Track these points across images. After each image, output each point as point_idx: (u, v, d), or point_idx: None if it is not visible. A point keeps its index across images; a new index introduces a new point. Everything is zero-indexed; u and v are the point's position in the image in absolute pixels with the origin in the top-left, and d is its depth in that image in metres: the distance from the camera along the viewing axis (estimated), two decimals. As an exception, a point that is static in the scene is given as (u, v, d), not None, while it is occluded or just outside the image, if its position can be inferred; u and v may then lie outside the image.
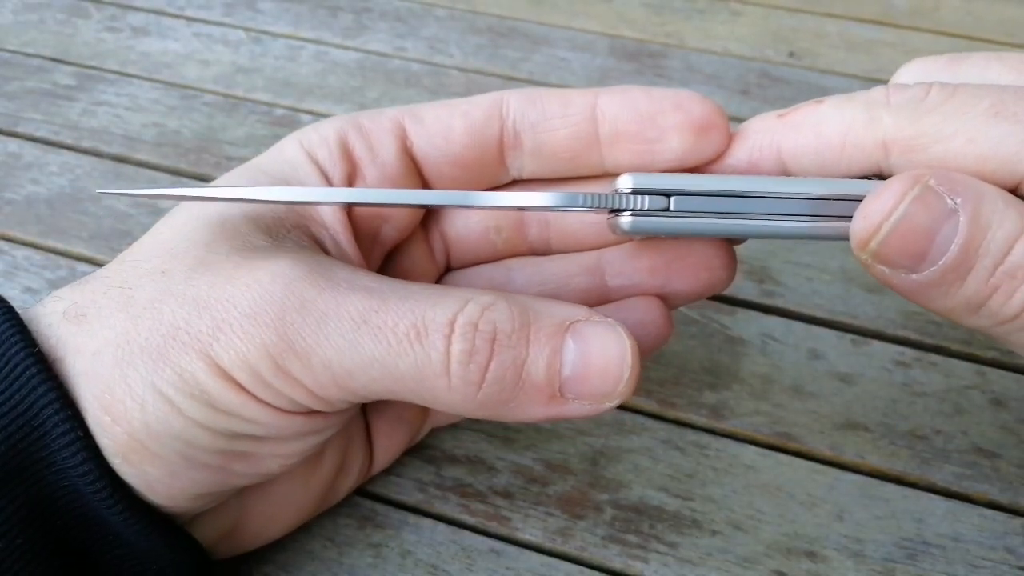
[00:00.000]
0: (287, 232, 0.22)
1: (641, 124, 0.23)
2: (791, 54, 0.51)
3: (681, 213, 0.21)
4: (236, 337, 0.19)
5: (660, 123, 0.22)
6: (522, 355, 0.19)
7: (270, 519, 0.25)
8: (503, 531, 0.27)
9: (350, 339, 0.19)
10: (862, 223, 0.19)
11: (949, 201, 0.18)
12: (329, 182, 0.23)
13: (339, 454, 0.25)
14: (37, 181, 0.40)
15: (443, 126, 0.24)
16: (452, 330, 0.19)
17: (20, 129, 0.43)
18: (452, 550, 0.26)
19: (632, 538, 0.27)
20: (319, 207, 0.23)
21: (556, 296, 0.25)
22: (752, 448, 0.29)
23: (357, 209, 0.24)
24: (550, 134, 0.23)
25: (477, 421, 0.30)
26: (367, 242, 0.24)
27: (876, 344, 0.33)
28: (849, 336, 0.33)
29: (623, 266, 0.25)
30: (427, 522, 0.27)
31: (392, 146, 0.24)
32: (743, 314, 0.34)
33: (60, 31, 0.50)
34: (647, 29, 0.53)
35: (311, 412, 0.20)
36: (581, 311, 0.20)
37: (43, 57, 0.48)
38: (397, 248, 0.25)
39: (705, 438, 0.30)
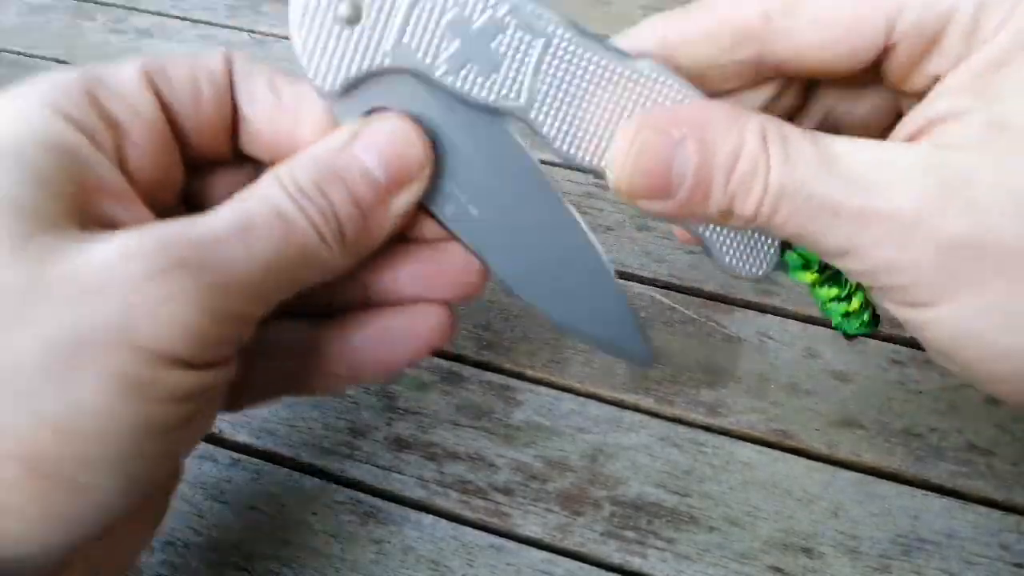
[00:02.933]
0: (85, 210, 0.20)
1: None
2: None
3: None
4: (156, 307, 0.17)
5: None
6: (346, 190, 0.21)
7: (117, 565, 0.23)
8: (503, 527, 0.27)
9: (244, 250, 0.19)
10: (610, 174, 0.21)
11: (675, 132, 0.20)
12: (100, 146, 0.21)
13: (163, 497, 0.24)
14: (43, 182, 0.40)
15: (192, 86, 0.22)
16: (297, 202, 0.20)
17: (26, 130, 0.43)
18: (453, 546, 0.27)
19: (630, 534, 0.27)
20: (101, 172, 0.20)
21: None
22: (749, 445, 0.30)
23: (131, 172, 0.21)
24: (257, 113, 0.23)
25: (478, 419, 0.30)
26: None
27: (872, 342, 0.33)
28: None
29: (382, 275, 0.25)
30: (428, 518, 0.27)
31: (151, 102, 0.22)
32: (740, 313, 0.34)
33: (65, 33, 0.51)
34: (647, 30, 0.53)
35: (229, 358, 0.20)
36: (346, 131, 0.21)
37: (48, 59, 0.48)
38: (169, 213, 0.23)
39: (702, 435, 0.30)
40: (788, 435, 0.30)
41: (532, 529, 0.27)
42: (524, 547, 0.27)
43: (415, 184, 0.22)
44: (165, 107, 0.22)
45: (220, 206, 0.20)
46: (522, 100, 0.22)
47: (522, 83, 0.22)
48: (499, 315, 0.34)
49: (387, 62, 0.21)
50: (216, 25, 0.52)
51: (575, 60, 0.22)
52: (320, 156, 0.21)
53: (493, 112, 0.22)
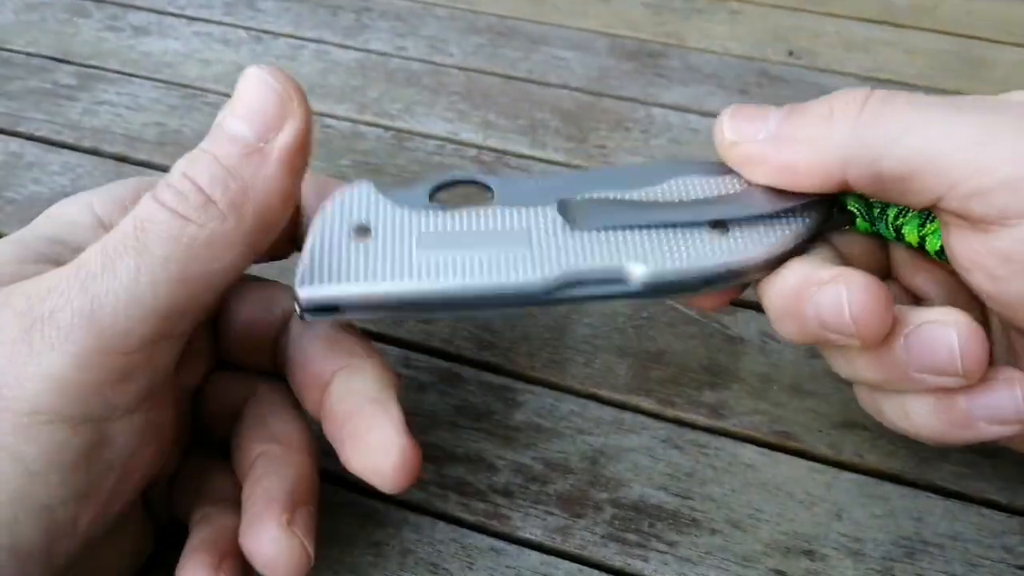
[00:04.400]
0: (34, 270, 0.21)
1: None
2: (790, 53, 0.51)
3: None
4: (19, 365, 0.18)
5: None
6: (208, 156, 0.21)
7: None
8: (503, 529, 0.27)
9: (109, 277, 0.19)
10: (717, 127, 0.25)
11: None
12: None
13: (136, 528, 0.24)
14: (39, 181, 0.40)
15: None
16: (155, 195, 0.20)
17: (21, 128, 0.43)
18: (452, 548, 0.26)
19: (632, 537, 0.27)
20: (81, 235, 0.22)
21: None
22: (751, 447, 0.29)
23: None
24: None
25: (477, 420, 0.30)
26: None
27: (875, 343, 0.33)
28: (848, 335, 0.33)
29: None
30: (427, 520, 0.27)
31: None
32: (742, 314, 0.34)
33: (61, 30, 0.50)
34: (646, 29, 0.53)
35: (142, 399, 0.20)
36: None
37: (44, 56, 0.48)
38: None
39: (704, 437, 0.30)
40: (791, 437, 0.30)
41: (532, 531, 0.27)
42: (524, 549, 0.26)
43: (289, 124, 0.21)
44: None
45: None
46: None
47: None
48: (499, 316, 0.34)
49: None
50: (213, 22, 0.52)
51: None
52: (189, 154, 0.21)
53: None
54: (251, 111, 0.21)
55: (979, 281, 0.22)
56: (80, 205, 0.23)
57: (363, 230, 0.23)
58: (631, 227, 0.23)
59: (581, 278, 0.23)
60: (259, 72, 0.21)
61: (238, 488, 0.24)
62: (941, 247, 0.23)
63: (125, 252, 0.19)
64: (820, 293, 0.21)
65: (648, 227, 0.23)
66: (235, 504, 0.24)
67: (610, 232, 0.23)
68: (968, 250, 0.22)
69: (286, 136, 0.21)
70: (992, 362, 0.21)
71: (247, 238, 0.21)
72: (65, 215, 0.23)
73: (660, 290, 0.23)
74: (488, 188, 0.24)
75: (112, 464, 0.20)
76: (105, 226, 0.22)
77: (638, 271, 0.23)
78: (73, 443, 0.19)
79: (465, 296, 0.22)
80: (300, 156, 0.21)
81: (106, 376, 0.19)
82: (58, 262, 0.21)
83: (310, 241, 0.23)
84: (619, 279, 0.23)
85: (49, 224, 0.23)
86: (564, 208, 0.23)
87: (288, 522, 0.22)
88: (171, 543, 0.26)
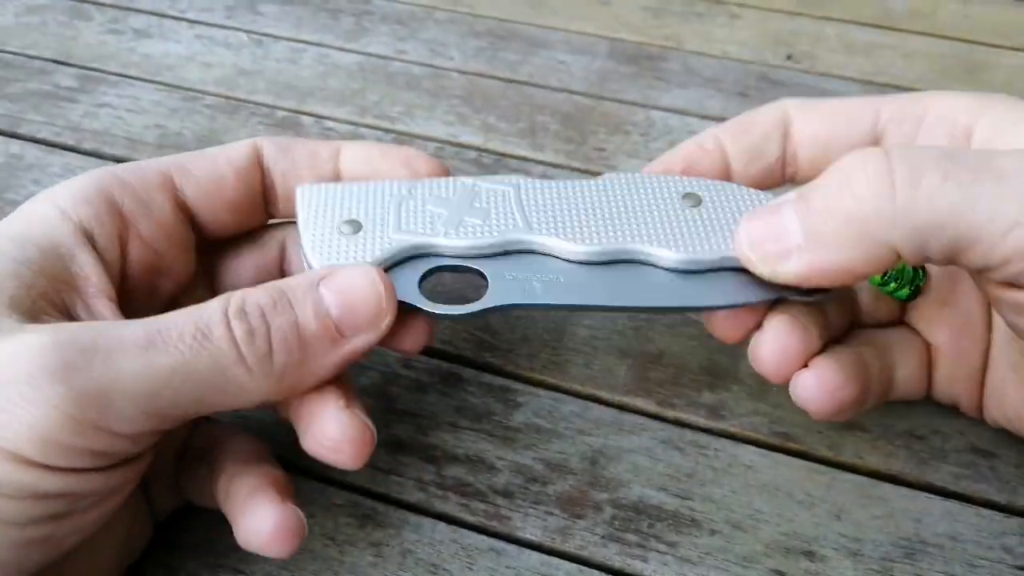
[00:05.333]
0: (41, 304, 0.21)
1: (371, 176, 0.26)
2: (789, 57, 0.51)
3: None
4: (17, 408, 0.18)
5: (387, 176, 0.26)
6: (291, 316, 0.21)
7: None
8: (503, 530, 0.27)
9: (143, 362, 0.19)
10: (737, 252, 0.24)
11: (773, 202, 0.23)
12: (93, 241, 0.23)
13: (128, 519, 0.24)
14: (39, 182, 0.40)
15: (215, 176, 0.25)
16: (227, 319, 0.20)
17: (22, 131, 0.43)
18: (452, 549, 0.26)
19: (631, 537, 0.27)
20: (75, 269, 0.22)
21: None
22: (751, 448, 0.29)
23: (135, 263, 0.24)
24: (300, 182, 0.26)
25: (477, 421, 0.30)
26: (143, 297, 0.24)
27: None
28: (847, 337, 0.33)
29: None
30: (427, 521, 0.27)
31: (164, 200, 0.24)
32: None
33: (62, 33, 0.50)
34: (646, 32, 0.53)
35: (115, 464, 0.20)
36: (319, 272, 0.22)
37: (45, 59, 0.48)
38: (175, 300, 0.26)
39: (704, 438, 0.30)
40: (790, 437, 0.30)
41: (532, 532, 0.27)
42: (524, 550, 0.26)
43: (371, 333, 0.22)
44: (182, 204, 0.25)
45: (151, 317, 0.20)
46: (521, 224, 0.25)
47: (513, 215, 0.25)
48: (499, 317, 0.34)
49: (392, 247, 0.24)
50: (214, 26, 0.52)
51: (545, 191, 0.26)
52: (281, 284, 0.22)
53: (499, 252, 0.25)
54: (351, 302, 0.22)
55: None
56: (47, 203, 0.23)
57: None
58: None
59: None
60: (375, 276, 0.22)
61: (257, 450, 0.25)
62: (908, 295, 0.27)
63: (172, 351, 0.19)
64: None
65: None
66: (258, 459, 0.24)
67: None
68: (1015, 304, 0.22)
69: (361, 342, 0.22)
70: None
71: (271, 395, 0.21)
72: (35, 212, 0.23)
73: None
74: (482, 275, 0.24)
75: (81, 511, 0.20)
76: (71, 219, 0.23)
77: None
78: (41, 487, 0.19)
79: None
80: (359, 359, 0.22)
81: (90, 444, 0.19)
82: (28, 261, 0.21)
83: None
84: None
85: (18, 223, 0.23)
86: None
87: (346, 405, 0.23)
88: (170, 543, 0.26)
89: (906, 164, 0.20)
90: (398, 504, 0.28)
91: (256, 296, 0.21)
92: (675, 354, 0.33)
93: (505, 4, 0.55)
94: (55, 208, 0.23)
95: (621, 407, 0.31)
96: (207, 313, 0.20)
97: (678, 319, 0.34)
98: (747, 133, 0.26)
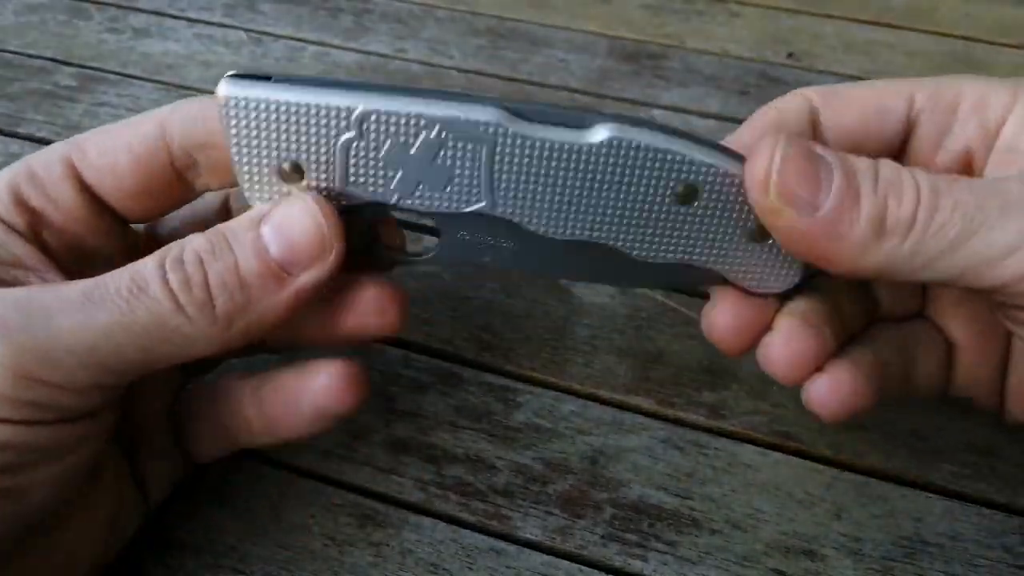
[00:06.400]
0: None
1: None
2: (790, 55, 0.51)
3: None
4: None
5: None
6: (231, 259, 0.21)
7: None
8: (503, 530, 0.27)
9: (82, 317, 0.19)
10: (756, 164, 0.21)
11: (812, 146, 0.21)
12: (17, 231, 0.23)
13: (111, 499, 0.24)
14: (39, 182, 0.40)
15: (109, 162, 0.24)
16: (164, 270, 0.20)
17: (21, 130, 0.43)
18: (452, 549, 0.26)
19: (631, 537, 0.27)
20: (13, 249, 0.22)
21: None
22: (751, 447, 0.29)
23: (53, 253, 0.23)
24: (221, 151, 0.23)
25: (477, 420, 0.30)
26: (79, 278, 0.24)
27: (874, 344, 0.33)
28: (847, 336, 0.33)
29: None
30: (427, 521, 0.27)
31: (69, 189, 0.23)
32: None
33: (61, 32, 0.50)
34: (646, 30, 0.53)
35: (70, 418, 0.20)
36: (261, 209, 0.22)
37: (44, 58, 0.48)
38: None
39: (704, 437, 0.30)
40: (790, 437, 0.30)
41: (532, 532, 0.27)
42: (524, 550, 0.26)
43: (316, 268, 0.21)
44: (89, 191, 0.24)
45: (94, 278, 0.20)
46: (485, 202, 0.22)
47: (479, 186, 0.22)
48: (499, 316, 0.34)
49: (342, 203, 0.22)
50: (213, 24, 0.52)
51: (525, 151, 0.21)
52: (222, 226, 0.21)
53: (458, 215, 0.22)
54: (290, 237, 0.21)
55: None
56: None
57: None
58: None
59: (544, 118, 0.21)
60: (313, 206, 0.21)
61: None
62: None
63: (111, 307, 0.20)
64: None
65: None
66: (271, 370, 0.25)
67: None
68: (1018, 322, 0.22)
69: (309, 277, 0.21)
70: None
71: (223, 342, 0.21)
72: None
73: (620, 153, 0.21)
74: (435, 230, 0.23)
75: (42, 464, 0.20)
76: None
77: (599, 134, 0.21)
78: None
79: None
80: (311, 297, 0.22)
81: (34, 397, 0.19)
82: None
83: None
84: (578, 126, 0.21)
85: None
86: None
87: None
88: (170, 543, 0.26)
89: (928, 184, 0.20)
90: (398, 504, 0.28)
91: (194, 242, 0.21)
92: (675, 353, 0.32)
93: (505, 2, 0.55)
94: None
95: (621, 406, 0.31)
96: (143, 266, 0.20)
97: (678, 319, 0.34)
98: (779, 130, 0.24)
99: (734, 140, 0.24)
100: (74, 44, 0.49)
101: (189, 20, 0.52)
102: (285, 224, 0.21)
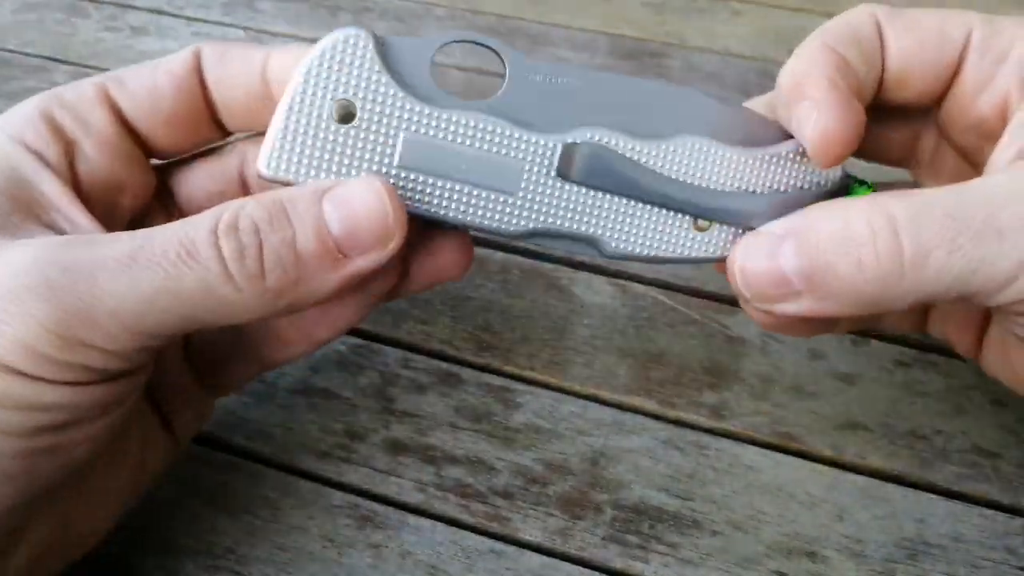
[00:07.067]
0: (15, 220, 0.21)
1: None
2: (792, 53, 0.51)
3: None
4: (3, 324, 0.18)
5: None
6: (288, 233, 0.20)
7: (90, 524, 0.23)
8: (503, 531, 0.27)
9: (127, 280, 0.19)
10: (733, 281, 0.23)
11: (774, 233, 0.22)
12: (46, 163, 0.22)
13: (140, 444, 0.24)
14: (36, 181, 0.39)
15: (148, 86, 0.24)
16: (217, 236, 0.19)
17: (19, 129, 0.42)
18: (452, 550, 0.26)
19: (632, 538, 0.27)
20: (43, 187, 0.22)
21: None
22: (752, 448, 0.29)
23: (88, 182, 0.23)
24: (231, 91, 0.24)
25: (477, 421, 0.30)
26: (104, 217, 0.23)
27: (876, 344, 0.33)
28: (849, 336, 0.33)
29: None
30: (427, 522, 0.27)
31: (103, 115, 0.23)
32: (743, 314, 0.34)
33: (59, 31, 0.50)
34: (647, 28, 0.53)
35: (111, 377, 0.20)
36: (327, 182, 0.21)
37: (42, 56, 0.48)
38: (135, 220, 0.25)
39: (705, 438, 0.30)
40: (792, 438, 0.30)
41: (532, 533, 0.27)
42: (524, 552, 0.26)
43: (376, 253, 0.21)
44: (122, 118, 0.24)
45: (137, 231, 0.20)
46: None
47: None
48: (499, 316, 0.33)
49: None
50: (211, 23, 0.51)
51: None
52: (281, 195, 0.20)
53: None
54: (353, 218, 0.20)
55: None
56: None
57: (346, 110, 0.21)
58: (620, 195, 0.23)
59: (554, 233, 0.23)
60: (381, 189, 0.20)
61: None
62: None
63: (157, 270, 0.19)
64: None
65: (636, 199, 0.23)
66: None
67: (599, 194, 0.23)
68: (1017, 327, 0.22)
69: (366, 262, 0.21)
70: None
71: (265, 314, 0.20)
72: None
73: (625, 259, 0.24)
74: (501, 61, 0.22)
75: (84, 422, 0.20)
76: (21, 144, 0.22)
77: (609, 246, 0.23)
78: (38, 399, 0.19)
79: (434, 220, 0.22)
80: (364, 281, 0.21)
81: (79, 359, 0.19)
82: None
83: (284, 108, 0.21)
84: (589, 244, 0.23)
85: None
86: (566, 157, 0.23)
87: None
88: (169, 545, 0.26)
89: (915, 241, 0.20)
90: (397, 505, 0.27)
91: (251, 209, 0.20)
92: (676, 353, 0.32)
93: (506, 0, 0.55)
94: (4, 135, 0.22)
95: (622, 407, 0.30)
96: (195, 228, 0.20)
97: (679, 319, 0.34)
98: (858, 45, 0.24)
99: (807, 46, 0.24)
100: (72, 42, 0.49)
101: (187, 19, 0.52)
102: (350, 203, 0.20)
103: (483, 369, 0.32)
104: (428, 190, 0.22)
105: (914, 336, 0.33)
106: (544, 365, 0.32)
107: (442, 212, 0.22)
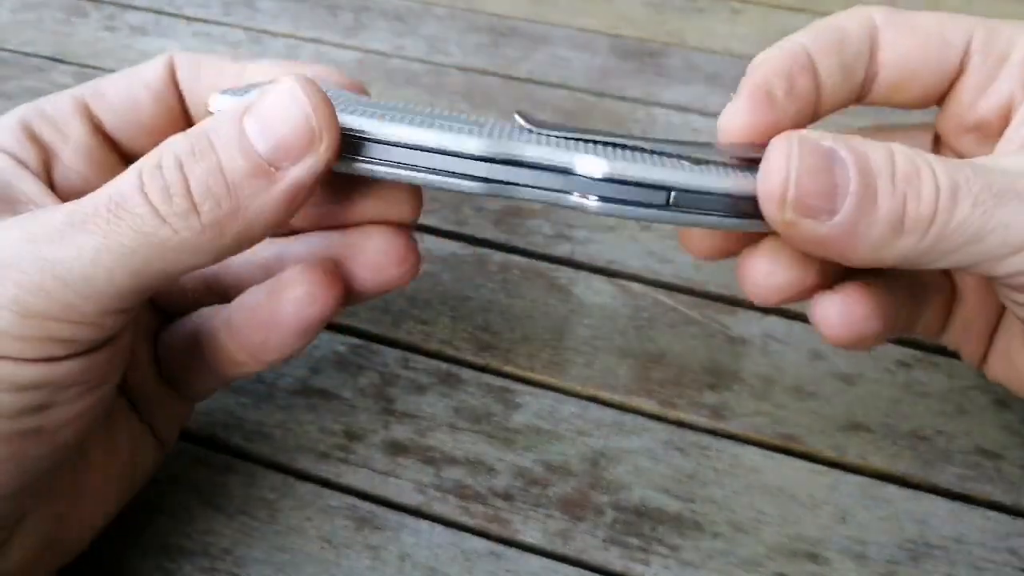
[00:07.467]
0: None
1: None
2: (792, 53, 0.51)
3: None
4: None
5: None
6: (213, 160, 0.19)
7: (83, 523, 0.23)
8: (503, 533, 0.27)
9: (67, 247, 0.18)
10: (772, 178, 0.20)
11: (825, 144, 0.20)
12: (25, 166, 0.22)
13: (128, 443, 0.24)
14: (34, 181, 0.39)
15: (126, 97, 0.24)
16: (141, 181, 0.19)
17: (18, 128, 0.42)
18: (451, 552, 0.26)
19: (633, 540, 0.27)
20: (22, 186, 0.22)
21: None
22: (754, 449, 0.29)
23: (66, 187, 0.23)
24: (205, 105, 0.24)
25: (477, 422, 0.29)
26: None
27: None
28: (851, 336, 0.33)
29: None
30: (426, 524, 0.27)
31: (80, 126, 0.24)
32: (744, 314, 0.34)
33: (58, 30, 0.50)
34: (648, 28, 0.53)
35: (87, 349, 0.20)
36: (243, 102, 0.20)
37: (41, 56, 0.48)
38: None
39: (706, 439, 0.29)
40: (794, 439, 0.29)
41: (532, 535, 0.27)
42: (524, 554, 0.26)
43: (309, 158, 0.19)
44: (100, 128, 0.24)
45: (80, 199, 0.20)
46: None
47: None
48: (498, 316, 0.33)
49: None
50: (211, 22, 0.51)
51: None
52: (200, 127, 0.20)
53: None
54: (275, 127, 0.19)
55: None
56: None
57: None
58: (596, 141, 0.21)
59: (526, 162, 0.20)
60: (296, 87, 0.19)
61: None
62: None
63: (93, 229, 0.19)
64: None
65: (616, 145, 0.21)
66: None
67: (571, 138, 0.21)
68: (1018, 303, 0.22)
69: (300, 170, 0.19)
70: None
71: (218, 252, 0.20)
72: None
73: (621, 196, 0.20)
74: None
75: (65, 400, 0.20)
76: (2, 150, 0.22)
77: (593, 167, 0.20)
78: (18, 378, 0.19)
79: (397, 142, 0.20)
80: (306, 194, 0.20)
81: (48, 333, 0.19)
82: None
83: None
84: (568, 171, 0.20)
85: None
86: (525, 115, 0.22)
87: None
88: (168, 547, 0.26)
89: (951, 181, 0.20)
90: (396, 507, 0.27)
91: (173, 146, 0.19)
92: (677, 354, 0.32)
93: (505, 0, 0.54)
94: None
95: (622, 408, 0.30)
96: (122, 178, 0.19)
97: (679, 319, 0.33)
98: (840, 51, 0.24)
99: (786, 42, 0.25)
100: (71, 42, 0.49)
101: (187, 18, 0.52)
102: (270, 112, 0.19)
103: (483, 369, 0.31)
104: (389, 112, 0.21)
105: (916, 337, 0.33)
106: (544, 365, 0.32)
107: (407, 130, 0.20)
